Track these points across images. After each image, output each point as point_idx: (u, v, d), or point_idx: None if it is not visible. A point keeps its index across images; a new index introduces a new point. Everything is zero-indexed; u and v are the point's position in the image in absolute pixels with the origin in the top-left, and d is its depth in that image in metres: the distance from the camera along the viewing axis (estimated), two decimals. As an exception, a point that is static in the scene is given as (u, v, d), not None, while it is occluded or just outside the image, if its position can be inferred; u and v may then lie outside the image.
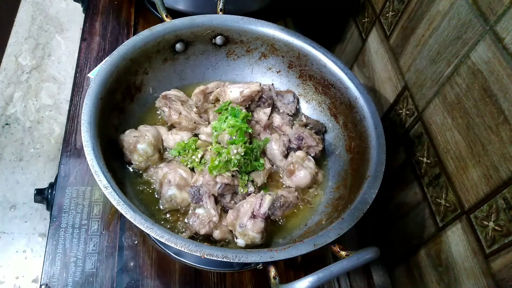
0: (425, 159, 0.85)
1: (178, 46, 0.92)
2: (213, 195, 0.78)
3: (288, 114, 0.96)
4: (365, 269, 0.92)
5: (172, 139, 0.86)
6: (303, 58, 0.94)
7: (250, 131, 0.87)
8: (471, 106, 0.72)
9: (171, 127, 0.90)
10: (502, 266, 0.66)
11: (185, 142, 0.85)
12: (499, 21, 0.66)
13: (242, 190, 0.80)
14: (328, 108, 0.95)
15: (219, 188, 0.77)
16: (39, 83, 1.60)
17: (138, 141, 0.80)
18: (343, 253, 0.67)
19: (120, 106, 0.85)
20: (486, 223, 0.69)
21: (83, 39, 1.14)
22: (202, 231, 0.75)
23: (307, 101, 0.99)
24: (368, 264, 0.93)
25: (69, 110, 1.00)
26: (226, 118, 0.86)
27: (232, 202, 0.80)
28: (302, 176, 0.84)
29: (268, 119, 0.93)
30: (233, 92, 0.91)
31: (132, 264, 0.82)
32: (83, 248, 0.82)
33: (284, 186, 0.87)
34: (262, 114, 0.93)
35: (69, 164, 0.91)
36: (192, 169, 0.83)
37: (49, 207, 0.88)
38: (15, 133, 1.47)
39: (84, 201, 0.87)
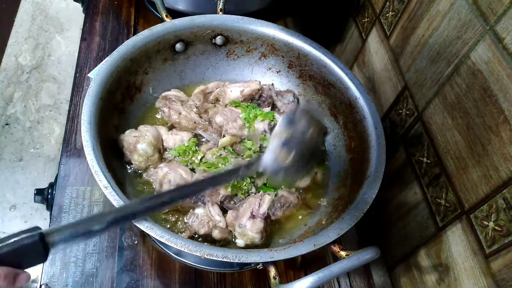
0: (425, 159, 0.85)
1: (178, 46, 0.92)
2: (215, 203, 0.78)
3: (288, 114, 0.96)
4: (365, 269, 0.92)
5: (172, 139, 0.86)
6: (303, 58, 0.94)
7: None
8: (471, 106, 0.72)
9: (171, 127, 0.90)
10: (502, 266, 0.66)
11: (185, 143, 0.85)
12: (499, 21, 0.66)
13: (243, 197, 0.80)
14: (328, 108, 0.95)
15: (221, 197, 0.78)
16: (39, 83, 1.60)
17: (138, 141, 0.80)
18: (343, 253, 0.67)
19: (120, 106, 0.85)
20: (486, 223, 0.69)
21: (83, 39, 1.14)
22: (202, 231, 0.75)
23: (307, 101, 0.99)
24: (368, 264, 0.93)
25: (69, 110, 1.00)
26: (247, 107, 0.89)
27: (232, 202, 0.80)
28: (302, 176, 0.84)
29: (268, 119, 0.93)
30: (233, 92, 0.91)
31: (132, 264, 0.82)
32: (83, 248, 0.82)
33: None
34: (262, 114, 0.93)
35: (69, 164, 0.91)
36: (192, 169, 0.83)
37: (49, 207, 0.88)
38: (15, 133, 1.47)
39: (84, 201, 0.87)
